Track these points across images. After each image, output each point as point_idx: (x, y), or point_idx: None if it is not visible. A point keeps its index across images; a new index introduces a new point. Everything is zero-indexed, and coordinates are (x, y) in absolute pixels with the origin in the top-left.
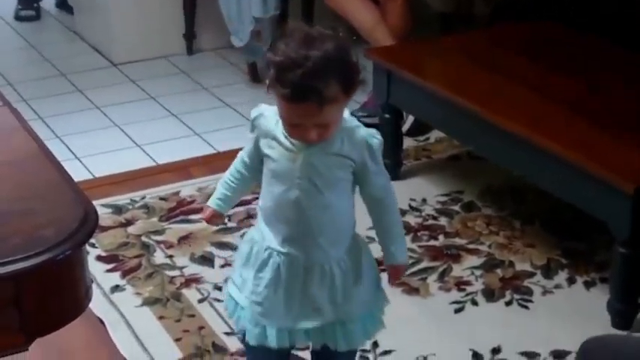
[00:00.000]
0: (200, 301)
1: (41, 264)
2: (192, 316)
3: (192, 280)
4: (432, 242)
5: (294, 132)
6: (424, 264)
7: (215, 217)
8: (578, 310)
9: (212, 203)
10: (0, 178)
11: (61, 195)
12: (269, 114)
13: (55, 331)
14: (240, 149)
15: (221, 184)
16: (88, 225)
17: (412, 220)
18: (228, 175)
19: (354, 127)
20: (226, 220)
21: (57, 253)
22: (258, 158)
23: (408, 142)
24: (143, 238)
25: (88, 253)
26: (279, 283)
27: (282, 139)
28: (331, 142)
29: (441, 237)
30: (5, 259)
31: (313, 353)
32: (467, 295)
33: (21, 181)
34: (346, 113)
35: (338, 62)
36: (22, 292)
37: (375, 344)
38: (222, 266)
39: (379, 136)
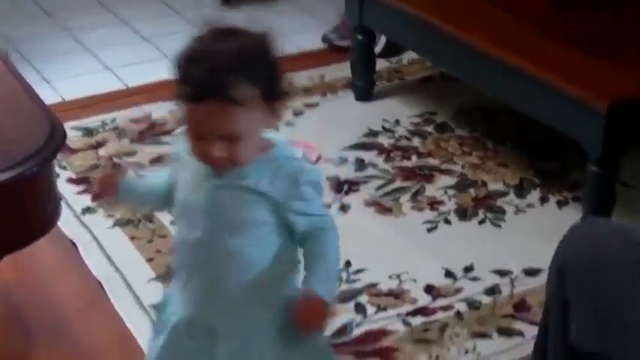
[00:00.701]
0: (172, 222)
1: (7, 180)
2: (164, 236)
3: None
4: (405, 163)
5: (198, 148)
6: (397, 184)
7: (106, 189)
8: (550, 228)
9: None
10: None
11: (27, 113)
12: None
13: (24, 249)
14: None
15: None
16: (55, 142)
17: (385, 141)
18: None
19: (284, 158)
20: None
21: (23, 169)
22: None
23: (380, 64)
24: (115, 160)
25: (58, 175)
26: (176, 355)
27: (191, 164)
28: (245, 174)
29: (414, 157)
30: None
31: None
32: (440, 214)
33: None
34: (280, 139)
35: (253, 60)
36: None
37: (348, 263)
38: None
39: (318, 174)
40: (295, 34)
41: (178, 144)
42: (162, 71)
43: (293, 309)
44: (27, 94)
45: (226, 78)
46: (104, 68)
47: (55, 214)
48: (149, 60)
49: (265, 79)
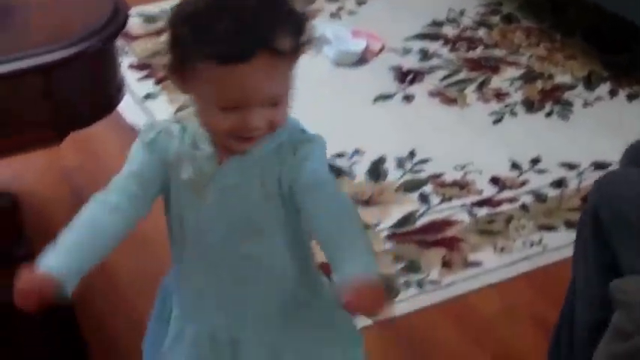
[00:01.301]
0: None
1: (70, 57)
2: None
3: None
4: (470, 54)
5: (227, 123)
6: (462, 75)
7: (45, 290)
8: (619, 121)
9: (44, 266)
10: None
11: None
12: (172, 129)
13: (87, 132)
14: None
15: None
16: (120, 18)
17: (450, 31)
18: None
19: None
20: None
21: (86, 46)
22: (155, 189)
23: None
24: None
25: (120, 57)
26: None
27: (193, 159)
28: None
29: (479, 48)
30: (33, 52)
31: None
32: (506, 106)
33: None
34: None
35: (282, 4)
36: (51, 85)
37: (412, 153)
38: None
39: (322, 146)
40: None
41: (165, 141)
42: None
43: (347, 304)
44: None
45: (272, 26)
46: None
47: (119, 93)
48: None
49: (299, 24)
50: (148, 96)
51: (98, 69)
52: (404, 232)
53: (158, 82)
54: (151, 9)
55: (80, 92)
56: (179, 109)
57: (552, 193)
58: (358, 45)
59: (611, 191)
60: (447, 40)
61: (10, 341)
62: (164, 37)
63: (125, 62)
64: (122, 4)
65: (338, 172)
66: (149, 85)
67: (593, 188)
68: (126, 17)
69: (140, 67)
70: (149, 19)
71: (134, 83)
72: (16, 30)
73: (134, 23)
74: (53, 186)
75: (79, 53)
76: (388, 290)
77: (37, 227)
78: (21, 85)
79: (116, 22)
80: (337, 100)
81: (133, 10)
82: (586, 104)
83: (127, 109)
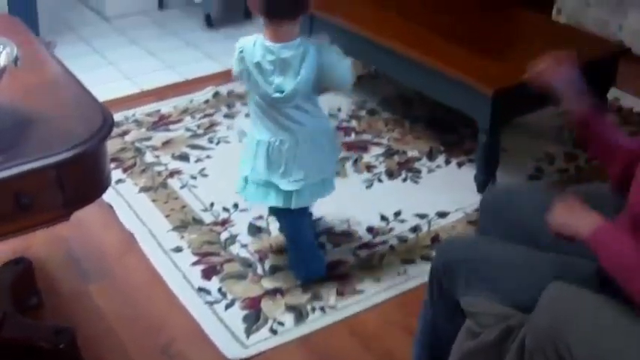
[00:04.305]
0: (181, 187)
1: (77, 155)
2: (176, 198)
3: (174, 173)
4: (347, 138)
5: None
6: (343, 155)
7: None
8: (453, 182)
9: None
10: (42, 93)
11: (85, 104)
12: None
13: (88, 205)
14: (203, 77)
15: None
16: (108, 124)
17: (332, 124)
18: None
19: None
20: (195, 128)
21: (88, 146)
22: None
23: None
24: (136, 144)
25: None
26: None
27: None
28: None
29: (353, 134)
30: (49, 153)
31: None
32: (374, 175)
33: (57, 96)
34: None
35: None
36: (63, 177)
37: (311, 214)
38: (195, 161)
39: None
40: None
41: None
42: (166, 77)
43: None
44: (83, 89)
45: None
46: (124, 77)
47: (108, 179)
48: (156, 70)
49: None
50: (118, 181)
51: (95, 162)
52: None
53: (125, 171)
54: (117, 117)
55: (83, 180)
56: (141, 190)
57: (411, 236)
58: None
59: (446, 254)
60: None
61: None
62: (127, 137)
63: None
64: (108, 115)
65: (258, 230)
66: (119, 173)
67: (435, 253)
68: (112, 124)
69: (111, 160)
70: (116, 124)
71: None
72: (35, 138)
73: None
74: (52, 250)
75: (82, 153)
76: None
77: (43, 282)
78: (42, 178)
79: (106, 128)
80: None
81: None
82: (430, 171)
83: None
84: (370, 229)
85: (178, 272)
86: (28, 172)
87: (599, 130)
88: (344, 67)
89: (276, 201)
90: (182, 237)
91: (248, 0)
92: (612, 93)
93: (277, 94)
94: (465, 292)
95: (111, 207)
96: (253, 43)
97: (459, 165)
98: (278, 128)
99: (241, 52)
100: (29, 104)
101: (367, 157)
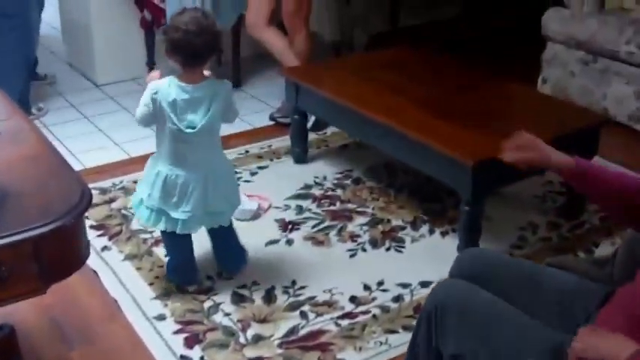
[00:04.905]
0: (166, 255)
1: (54, 229)
2: (161, 266)
3: (159, 241)
4: (332, 207)
5: None
6: (327, 223)
7: None
8: (436, 252)
9: None
10: (24, 167)
11: (65, 179)
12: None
13: (65, 279)
14: None
15: None
16: (85, 199)
17: (317, 192)
18: None
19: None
20: None
21: (65, 220)
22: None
23: (311, 136)
24: (122, 211)
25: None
26: None
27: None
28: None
29: (337, 203)
30: (27, 227)
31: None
32: (358, 244)
33: (37, 169)
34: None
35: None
36: (40, 250)
37: (294, 282)
38: None
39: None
40: (250, 115)
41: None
42: (152, 145)
43: None
44: (64, 164)
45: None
46: (113, 144)
47: (86, 251)
48: (143, 137)
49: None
50: (104, 248)
51: (73, 236)
52: (290, 340)
53: (110, 238)
54: (104, 183)
55: (60, 254)
56: (126, 258)
57: (393, 305)
58: (252, 204)
59: (440, 296)
60: (314, 199)
61: None
62: (114, 205)
63: (86, 224)
64: (86, 189)
65: (242, 298)
66: (104, 240)
67: (430, 294)
68: (90, 198)
69: (97, 227)
70: (103, 191)
71: (93, 239)
72: (13, 211)
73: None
74: (36, 315)
75: (59, 227)
76: None
77: (26, 348)
78: (18, 251)
79: (84, 203)
80: None
81: (91, 185)
82: (413, 240)
83: (89, 258)
84: (353, 299)
85: (161, 340)
86: (4, 245)
87: (597, 174)
88: (235, 105)
89: (165, 226)
90: (165, 305)
91: (166, 52)
92: (595, 161)
93: (189, 130)
94: (452, 339)
95: (96, 273)
96: (168, 84)
97: (443, 235)
98: (179, 163)
99: (155, 93)
100: (9, 178)
101: (351, 227)
